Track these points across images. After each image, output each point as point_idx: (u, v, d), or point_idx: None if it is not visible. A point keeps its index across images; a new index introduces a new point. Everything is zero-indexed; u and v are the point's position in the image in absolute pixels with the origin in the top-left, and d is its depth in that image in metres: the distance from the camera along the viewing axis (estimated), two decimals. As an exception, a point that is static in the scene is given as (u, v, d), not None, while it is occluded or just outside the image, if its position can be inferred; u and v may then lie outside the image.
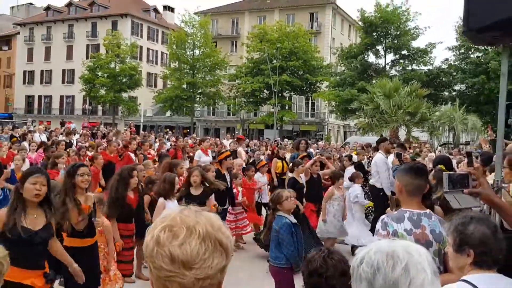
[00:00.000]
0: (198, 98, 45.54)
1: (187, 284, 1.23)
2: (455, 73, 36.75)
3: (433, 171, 4.89)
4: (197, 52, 44.84)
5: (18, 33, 66.52)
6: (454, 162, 12.53)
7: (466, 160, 4.13)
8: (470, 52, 36.70)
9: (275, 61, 40.53)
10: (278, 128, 42.42)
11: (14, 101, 65.22)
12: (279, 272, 5.18)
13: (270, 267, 5.34)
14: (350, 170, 10.43)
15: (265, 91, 42.62)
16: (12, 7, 77.01)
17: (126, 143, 12.13)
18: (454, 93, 37.34)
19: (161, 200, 6.32)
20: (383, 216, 3.23)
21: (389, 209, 6.66)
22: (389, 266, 1.39)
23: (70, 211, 4.63)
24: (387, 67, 39.56)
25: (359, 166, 11.38)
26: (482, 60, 35.09)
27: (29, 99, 65.58)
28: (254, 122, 47.63)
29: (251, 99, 43.58)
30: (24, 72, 65.52)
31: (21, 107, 64.74)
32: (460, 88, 37.27)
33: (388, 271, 1.38)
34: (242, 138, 17.92)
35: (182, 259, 1.22)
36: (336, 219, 8.41)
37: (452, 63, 37.57)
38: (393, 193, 9.06)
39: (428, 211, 3.21)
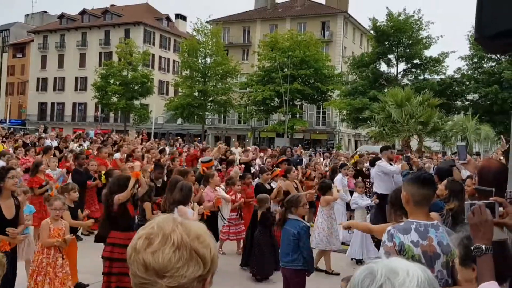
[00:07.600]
0: (209, 106, 45.61)
1: None
2: (468, 83, 36.35)
3: (447, 182, 4.76)
4: (208, 60, 44.96)
5: (32, 40, 67.41)
6: (466, 173, 12.32)
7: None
8: (483, 62, 36.35)
9: (286, 70, 40.45)
10: (289, 136, 42.30)
11: (27, 108, 65.91)
12: (297, 274, 5.36)
13: (285, 270, 5.48)
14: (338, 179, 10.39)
15: (276, 99, 42.58)
16: (27, 15, 78.11)
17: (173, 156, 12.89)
18: (466, 102, 36.93)
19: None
20: (389, 227, 3.14)
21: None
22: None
23: None
24: (399, 76, 39.29)
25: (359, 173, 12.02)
26: (495, 69, 34.73)
27: (42, 106, 66.25)
28: (265, 130, 47.61)
29: (262, 107, 43.56)
30: (38, 79, 66.27)
31: (34, 113, 65.38)
32: (473, 97, 36.87)
33: None
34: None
35: (154, 267, 1.22)
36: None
37: (465, 73, 37.19)
38: (380, 200, 8.89)
39: (435, 222, 3.11)
